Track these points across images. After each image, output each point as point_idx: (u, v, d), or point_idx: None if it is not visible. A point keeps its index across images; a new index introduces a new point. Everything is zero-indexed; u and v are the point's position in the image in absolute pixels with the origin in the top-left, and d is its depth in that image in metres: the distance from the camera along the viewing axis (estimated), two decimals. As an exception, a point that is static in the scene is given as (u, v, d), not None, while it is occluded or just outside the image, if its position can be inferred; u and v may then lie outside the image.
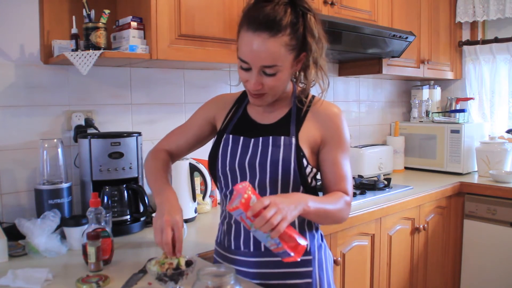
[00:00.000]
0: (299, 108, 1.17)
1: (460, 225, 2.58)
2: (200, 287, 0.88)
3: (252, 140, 1.16)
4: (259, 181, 1.13)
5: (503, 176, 2.53)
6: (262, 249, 1.14)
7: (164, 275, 1.00)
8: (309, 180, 1.15)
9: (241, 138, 1.17)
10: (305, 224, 1.18)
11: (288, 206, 0.95)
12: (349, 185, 1.15)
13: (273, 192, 1.12)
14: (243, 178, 1.14)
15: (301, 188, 1.13)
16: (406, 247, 2.24)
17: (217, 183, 1.23)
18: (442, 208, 2.47)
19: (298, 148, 1.12)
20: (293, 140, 1.12)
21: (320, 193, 1.17)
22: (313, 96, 1.19)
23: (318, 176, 1.20)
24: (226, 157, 1.17)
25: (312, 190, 1.16)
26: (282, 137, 1.13)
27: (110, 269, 1.24)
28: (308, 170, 1.13)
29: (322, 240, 1.23)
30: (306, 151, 1.13)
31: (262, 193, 1.12)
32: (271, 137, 1.14)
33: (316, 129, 1.14)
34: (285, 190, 1.12)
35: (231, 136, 1.19)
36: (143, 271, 1.20)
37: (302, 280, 1.14)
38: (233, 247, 1.19)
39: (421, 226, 2.29)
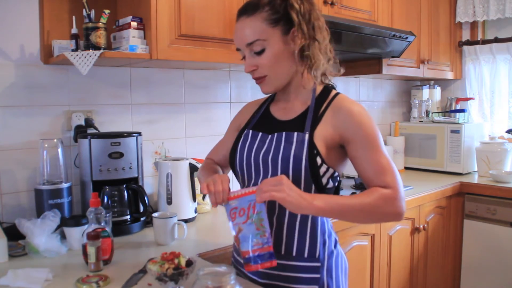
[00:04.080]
0: (319, 105, 1.13)
1: (460, 225, 2.58)
2: (200, 287, 0.88)
3: (269, 136, 1.15)
4: (271, 176, 1.11)
5: (503, 176, 2.53)
6: None
7: (164, 275, 1.00)
8: (324, 180, 1.10)
9: (260, 133, 1.18)
10: (308, 227, 1.12)
11: (291, 190, 0.98)
12: (390, 176, 1.08)
13: None
14: (257, 174, 1.14)
15: (313, 187, 1.09)
16: (406, 247, 2.24)
17: (238, 179, 1.23)
18: (442, 208, 2.47)
19: (312, 145, 1.08)
20: (307, 136, 1.08)
21: (342, 192, 1.16)
22: (337, 93, 1.15)
23: (349, 177, 1.16)
24: (244, 152, 1.18)
25: (326, 191, 1.11)
26: (295, 133, 1.10)
27: (110, 269, 1.24)
28: (322, 169, 1.08)
29: (335, 246, 1.17)
30: (321, 148, 1.08)
31: None
32: (284, 133, 1.12)
33: (333, 127, 1.09)
34: (296, 187, 1.09)
35: (251, 131, 1.20)
36: (143, 271, 1.20)
37: (308, 286, 1.11)
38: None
39: (421, 226, 2.29)
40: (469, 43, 3.09)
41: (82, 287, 1.10)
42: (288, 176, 1.08)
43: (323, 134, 1.09)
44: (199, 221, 1.81)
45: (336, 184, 1.15)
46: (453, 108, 3.12)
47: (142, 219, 1.65)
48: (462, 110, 2.95)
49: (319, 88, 1.16)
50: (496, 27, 3.05)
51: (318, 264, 1.12)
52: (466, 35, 3.17)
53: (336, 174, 1.12)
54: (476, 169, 2.82)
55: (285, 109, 1.19)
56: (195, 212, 1.81)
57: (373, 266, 2.04)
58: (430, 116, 3.07)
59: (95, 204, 1.28)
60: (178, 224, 1.51)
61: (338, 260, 1.17)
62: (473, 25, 3.14)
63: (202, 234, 1.66)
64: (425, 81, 3.23)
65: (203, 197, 1.89)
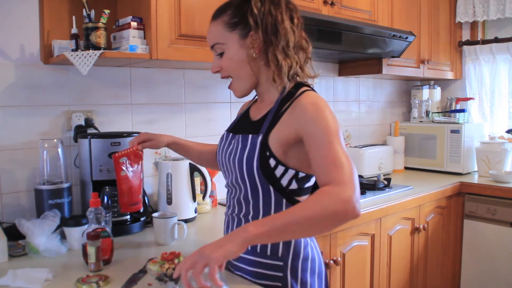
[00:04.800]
0: (283, 105, 1.11)
1: (460, 225, 2.58)
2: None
3: (235, 136, 1.18)
4: (234, 179, 1.15)
5: (503, 176, 2.53)
6: None
7: (164, 275, 1.00)
8: (285, 181, 1.08)
9: (230, 134, 1.21)
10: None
11: (210, 250, 0.89)
12: (338, 170, 0.97)
13: (245, 192, 1.13)
14: (226, 173, 1.19)
15: (272, 189, 1.09)
16: (406, 247, 2.24)
17: None
18: (442, 208, 2.47)
19: (264, 147, 1.07)
20: (259, 138, 1.09)
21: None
22: (304, 91, 1.10)
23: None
24: (218, 152, 1.23)
25: (288, 193, 1.10)
26: (250, 136, 1.11)
27: (110, 269, 1.24)
28: (279, 171, 1.07)
29: (304, 248, 1.14)
30: (276, 150, 1.07)
31: (234, 191, 1.17)
32: (240, 136, 1.15)
33: (289, 125, 1.07)
34: (254, 190, 1.11)
35: (225, 132, 1.25)
36: (143, 271, 1.20)
37: (272, 283, 1.12)
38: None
39: (421, 226, 2.29)
40: (469, 43, 3.09)
41: (82, 287, 1.10)
42: (244, 179, 1.11)
43: (279, 134, 1.08)
44: (199, 221, 1.81)
45: (308, 185, 1.12)
46: (453, 108, 3.12)
47: (142, 219, 1.65)
48: (462, 110, 2.95)
49: (289, 87, 1.13)
50: (496, 27, 3.05)
51: (281, 263, 1.12)
52: (466, 35, 3.17)
53: (303, 174, 1.10)
54: (476, 169, 2.82)
55: (258, 109, 1.21)
56: (195, 212, 1.82)
57: (373, 266, 2.04)
58: (430, 116, 3.07)
59: (95, 204, 1.28)
60: (178, 224, 1.51)
61: (308, 263, 1.15)
62: (473, 25, 3.14)
63: (202, 234, 1.66)
64: (425, 81, 3.23)
65: (203, 197, 1.89)
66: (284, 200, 1.11)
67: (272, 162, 1.07)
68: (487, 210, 2.46)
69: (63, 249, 1.37)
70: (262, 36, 1.09)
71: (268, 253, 1.13)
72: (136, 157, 1.44)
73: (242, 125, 1.22)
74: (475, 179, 2.69)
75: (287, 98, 1.11)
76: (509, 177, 2.52)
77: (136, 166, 1.45)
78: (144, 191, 1.65)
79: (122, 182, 1.43)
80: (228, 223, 1.23)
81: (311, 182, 1.13)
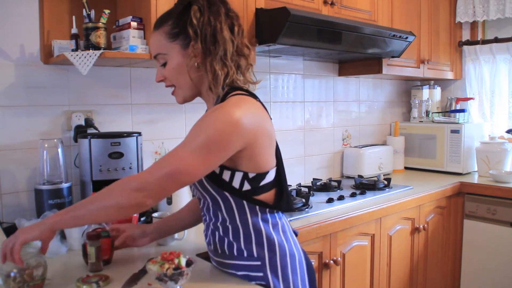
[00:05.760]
0: None
1: (460, 225, 2.58)
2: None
3: None
4: (196, 191, 1.17)
5: (503, 176, 2.53)
6: (219, 251, 1.18)
7: (164, 275, 1.00)
8: (237, 184, 1.09)
9: None
10: (240, 229, 1.13)
11: (16, 236, 1.02)
12: (152, 165, 1.04)
13: (207, 201, 1.15)
14: (190, 187, 1.20)
15: (228, 194, 1.09)
16: (406, 247, 2.24)
17: None
18: (442, 208, 2.48)
19: None
20: None
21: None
22: (231, 95, 1.09)
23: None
24: None
25: (245, 194, 1.10)
26: None
27: (110, 269, 1.24)
28: (226, 175, 1.09)
29: (279, 246, 1.14)
30: None
31: (202, 202, 1.19)
32: None
33: None
34: (214, 201, 1.12)
35: None
36: (143, 271, 1.20)
37: (259, 282, 1.13)
38: (205, 244, 1.26)
39: (421, 226, 2.29)
40: (469, 43, 3.09)
41: (82, 287, 1.10)
42: (200, 191, 1.13)
43: None
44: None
45: (264, 183, 1.12)
46: (453, 108, 3.12)
47: (142, 219, 1.65)
48: (462, 110, 2.95)
49: (224, 92, 1.12)
50: (496, 27, 3.05)
51: (259, 263, 1.13)
52: (466, 35, 3.17)
53: (253, 174, 1.10)
54: (476, 169, 2.82)
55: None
56: (195, 212, 1.81)
57: (373, 266, 2.04)
58: (430, 116, 3.07)
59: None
60: (178, 224, 1.51)
61: (286, 259, 1.15)
62: (473, 25, 3.14)
63: (202, 234, 1.65)
64: (425, 81, 3.23)
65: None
66: (245, 202, 1.11)
67: (216, 169, 1.08)
68: (487, 210, 2.46)
69: (63, 249, 1.37)
70: (201, 46, 1.09)
71: (245, 254, 1.14)
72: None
73: None
74: (475, 179, 2.69)
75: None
76: (509, 177, 2.52)
77: None
78: None
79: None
80: (206, 231, 1.24)
81: (266, 180, 1.12)
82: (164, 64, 1.15)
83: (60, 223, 1.06)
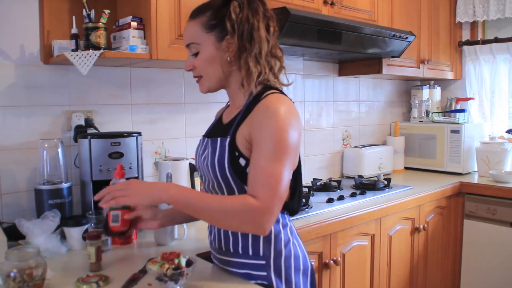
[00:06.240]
0: (250, 106, 1.12)
1: (460, 225, 2.58)
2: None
3: (206, 140, 1.20)
4: (210, 184, 1.17)
5: (503, 176, 2.53)
6: (223, 248, 1.19)
7: (164, 275, 1.00)
8: None
9: (205, 139, 1.22)
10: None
11: (140, 189, 1.07)
12: (265, 188, 1.02)
13: (221, 193, 1.15)
14: (202, 178, 1.21)
15: (247, 189, 1.09)
16: (406, 247, 2.24)
17: None
18: (442, 208, 2.48)
19: (233, 148, 1.09)
20: (227, 140, 1.11)
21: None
22: (269, 93, 1.11)
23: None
24: (196, 157, 1.26)
25: None
26: (219, 139, 1.13)
27: (110, 269, 1.25)
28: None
29: (285, 246, 1.15)
30: (244, 149, 1.09)
31: (212, 193, 1.18)
32: (210, 140, 1.17)
33: (248, 126, 1.09)
34: (230, 191, 1.12)
35: (202, 137, 1.27)
36: (143, 271, 1.20)
37: (261, 282, 1.14)
38: (209, 241, 1.28)
39: (421, 226, 2.29)
40: (469, 43, 3.09)
41: (82, 287, 1.10)
42: (219, 182, 1.12)
43: (242, 135, 1.10)
44: (199, 221, 1.80)
45: None
46: (453, 108, 3.12)
47: (142, 219, 1.65)
48: (462, 110, 2.95)
49: (258, 90, 1.14)
50: (496, 27, 3.05)
51: (263, 262, 1.14)
52: (466, 35, 3.17)
53: None
54: (476, 169, 2.82)
55: (229, 113, 1.23)
56: (195, 212, 1.81)
57: (373, 266, 2.04)
58: (430, 116, 3.07)
59: (120, 175, 1.23)
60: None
61: (291, 260, 1.16)
62: (473, 25, 3.14)
63: (202, 234, 1.66)
64: (425, 81, 3.23)
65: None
66: None
67: (242, 161, 1.09)
68: (487, 210, 2.46)
69: (63, 249, 1.37)
70: (237, 41, 1.10)
71: (250, 253, 1.14)
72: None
73: (215, 129, 1.25)
74: (475, 179, 2.69)
75: (255, 101, 1.11)
76: (509, 177, 2.52)
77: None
78: None
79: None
80: (210, 228, 1.25)
81: None
82: (196, 54, 1.16)
83: (172, 202, 1.08)
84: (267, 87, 1.14)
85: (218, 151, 1.12)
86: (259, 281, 1.14)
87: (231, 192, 1.12)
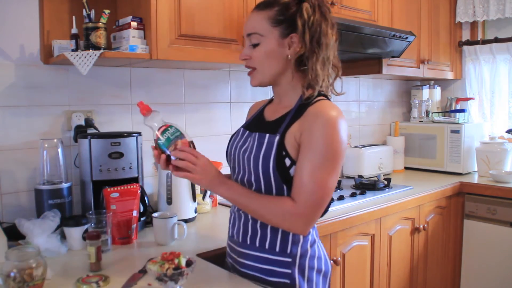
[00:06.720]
0: (301, 108, 1.14)
1: (460, 225, 2.58)
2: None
3: (251, 134, 1.20)
4: (246, 176, 1.17)
5: (503, 176, 2.53)
6: (248, 242, 1.18)
7: (164, 275, 1.00)
8: None
9: (246, 132, 1.23)
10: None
11: (205, 174, 1.10)
12: (306, 195, 1.06)
13: (257, 189, 1.14)
14: (238, 169, 1.20)
15: (285, 188, 1.11)
16: (406, 247, 2.24)
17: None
18: (442, 208, 2.47)
19: (281, 147, 1.10)
20: (277, 138, 1.11)
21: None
22: (321, 99, 1.14)
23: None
24: (232, 147, 1.25)
25: None
26: (267, 135, 1.14)
27: (110, 269, 1.25)
28: (293, 170, 1.10)
29: (311, 246, 1.18)
30: (291, 150, 1.10)
31: (249, 187, 1.17)
32: (257, 134, 1.17)
33: (299, 128, 1.10)
34: (268, 188, 1.12)
35: (242, 129, 1.26)
36: (143, 271, 1.20)
37: (280, 280, 1.14)
38: (230, 234, 1.27)
39: (421, 226, 2.29)
40: (469, 43, 3.09)
41: (82, 287, 1.10)
42: (259, 176, 1.13)
43: (291, 135, 1.11)
44: (199, 221, 1.81)
45: None
46: (453, 108, 3.12)
47: (142, 219, 1.65)
48: (462, 110, 2.95)
49: (308, 93, 1.15)
50: (496, 27, 3.05)
51: (289, 260, 1.14)
52: (466, 35, 3.17)
53: None
54: (476, 169, 2.82)
55: (273, 110, 1.23)
56: (195, 212, 1.81)
57: (373, 266, 2.04)
58: (430, 116, 3.07)
59: (146, 109, 1.24)
60: (178, 224, 1.51)
61: (314, 261, 1.18)
62: (473, 25, 3.14)
63: (202, 234, 1.66)
64: (425, 81, 3.23)
65: (203, 197, 1.89)
66: None
67: (287, 161, 1.10)
68: (487, 210, 2.46)
69: (63, 249, 1.37)
70: (307, 43, 1.10)
71: (277, 249, 1.14)
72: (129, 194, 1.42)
73: (258, 124, 1.24)
74: (475, 179, 2.69)
75: (306, 105, 1.13)
76: (509, 177, 2.52)
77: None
78: (143, 194, 1.65)
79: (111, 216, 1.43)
80: (234, 220, 1.24)
81: None
82: (255, 45, 1.15)
83: (228, 199, 1.15)
84: (318, 93, 1.15)
85: (265, 147, 1.12)
86: (280, 279, 1.14)
87: (267, 187, 1.12)
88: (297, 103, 1.15)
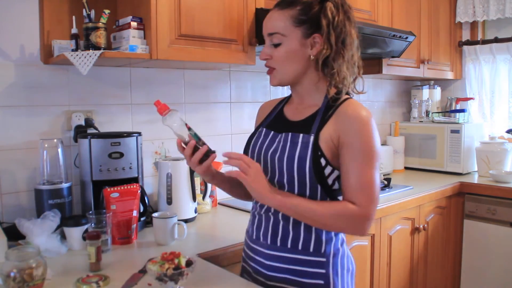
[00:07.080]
0: (328, 108, 1.14)
1: (460, 225, 2.58)
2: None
3: (279, 135, 1.18)
4: (278, 176, 1.14)
5: (503, 176, 2.53)
6: (278, 243, 1.16)
7: (164, 275, 1.00)
8: (330, 181, 1.12)
9: (271, 132, 1.21)
10: (313, 227, 1.14)
11: (258, 179, 1.08)
12: (365, 195, 1.08)
13: (290, 190, 1.13)
14: (265, 170, 1.16)
15: (319, 188, 1.11)
16: (406, 247, 2.24)
17: None
18: (442, 208, 2.47)
19: (316, 147, 1.09)
20: (312, 138, 1.10)
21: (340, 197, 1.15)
22: (348, 98, 1.15)
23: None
24: (255, 148, 1.22)
25: (332, 192, 1.13)
26: (301, 135, 1.12)
27: (110, 269, 1.25)
28: (327, 170, 1.10)
29: (341, 245, 1.19)
30: (326, 150, 1.10)
31: (280, 188, 1.15)
32: (290, 134, 1.15)
33: (334, 129, 1.10)
34: (302, 188, 1.11)
35: (264, 129, 1.24)
36: (143, 271, 1.20)
37: (314, 281, 1.13)
38: (254, 236, 1.22)
39: (421, 226, 2.29)
40: (469, 43, 3.09)
41: (82, 287, 1.10)
42: (293, 176, 1.11)
43: (327, 136, 1.10)
44: (199, 221, 1.81)
45: None
46: (453, 108, 3.12)
47: (142, 219, 1.65)
48: (462, 110, 2.95)
49: (332, 92, 1.15)
50: (496, 27, 3.05)
51: (324, 260, 1.14)
52: (466, 35, 3.17)
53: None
54: (476, 169, 2.82)
55: (296, 110, 1.22)
56: (195, 212, 1.82)
57: (373, 266, 2.04)
58: (430, 116, 3.07)
59: (163, 108, 1.17)
60: (178, 224, 1.51)
61: (344, 260, 1.19)
62: (473, 25, 3.14)
63: (202, 234, 1.66)
64: (425, 81, 3.23)
65: (203, 197, 1.89)
66: (328, 199, 1.13)
67: (322, 161, 1.10)
68: (487, 210, 2.46)
69: (63, 249, 1.37)
70: (332, 44, 1.10)
71: (311, 249, 1.14)
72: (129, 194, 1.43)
73: (281, 124, 1.22)
74: (475, 179, 2.69)
75: (333, 103, 1.13)
76: (509, 177, 2.52)
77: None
78: (143, 194, 1.65)
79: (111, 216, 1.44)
80: (260, 222, 1.20)
81: None
82: (277, 45, 1.13)
83: (277, 208, 1.12)
84: (340, 91, 1.15)
85: (299, 147, 1.11)
86: (314, 280, 1.13)
87: (301, 188, 1.11)
88: (323, 103, 1.15)
